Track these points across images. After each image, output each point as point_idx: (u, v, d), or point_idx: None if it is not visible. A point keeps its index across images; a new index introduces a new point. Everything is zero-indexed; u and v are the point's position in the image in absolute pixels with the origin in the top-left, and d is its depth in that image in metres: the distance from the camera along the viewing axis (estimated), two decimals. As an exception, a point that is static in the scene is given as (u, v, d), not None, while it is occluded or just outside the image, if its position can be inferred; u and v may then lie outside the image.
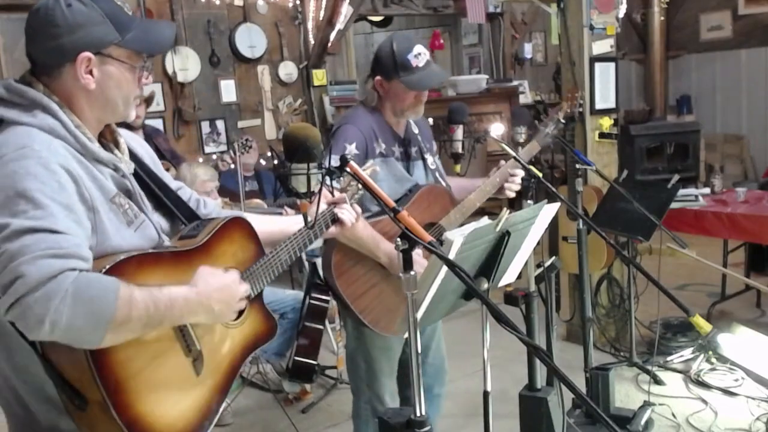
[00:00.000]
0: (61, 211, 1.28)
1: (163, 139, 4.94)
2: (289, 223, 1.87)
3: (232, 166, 4.60)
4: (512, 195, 2.60)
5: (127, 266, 1.35)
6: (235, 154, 4.26)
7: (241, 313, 1.63)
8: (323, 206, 1.86)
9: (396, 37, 2.43)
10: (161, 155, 4.71)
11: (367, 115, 2.47)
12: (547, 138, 2.80)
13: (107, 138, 1.54)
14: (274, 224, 1.89)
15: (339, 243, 2.30)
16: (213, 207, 1.83)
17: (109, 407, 1.29)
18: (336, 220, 1.93)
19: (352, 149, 2.35)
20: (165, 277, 1.43)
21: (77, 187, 1.33)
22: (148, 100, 5.04)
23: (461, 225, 2.18)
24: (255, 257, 1.70)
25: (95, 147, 1.43)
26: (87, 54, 1.39)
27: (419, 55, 2.37)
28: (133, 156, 1.60)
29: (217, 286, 1.46)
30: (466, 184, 2.65)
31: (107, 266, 1.31)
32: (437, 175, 2.60)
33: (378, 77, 2.42)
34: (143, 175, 1.60)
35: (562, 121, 2.85)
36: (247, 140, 4.27)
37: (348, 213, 1.94)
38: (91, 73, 1.41)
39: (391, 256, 2.28)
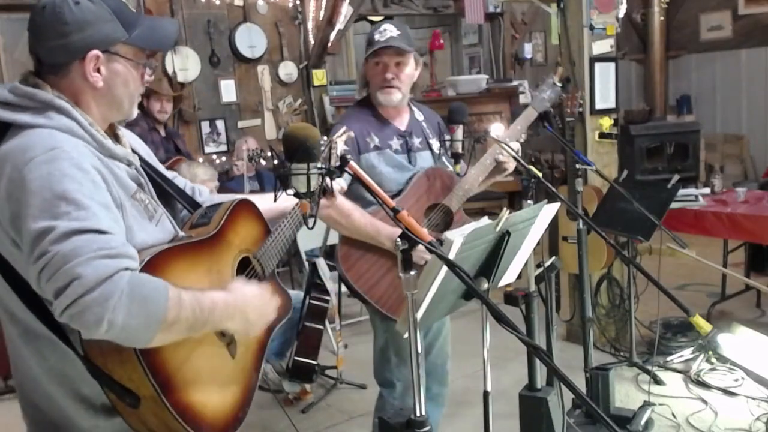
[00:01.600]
0: (102, 211, 1.28)
1: (182, 142, 5.08)
2: (282, 201, 1.88)
3: (245, 173, 4.65)
4: (511, 168, 2.58)
5: (159, 261, 1.36)
6: (251, 161, 4.29)
7: None
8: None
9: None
10: (180, 156, 4.78)
11: (358, 113, 2.52)
12: (545, 102, 2.72)
13: (108, 134, 1.53)
14: (269, 203, 1.90)
15: (343, 236, 2.31)
16: (207, 194, 1.85)
17: (163, 400, 1.31)
18: (325, 191, 1.87)
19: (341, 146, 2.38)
20: (192, 267, 1.46)
21: (107, 185, 1.34)
22: (177, 99, 5.10)
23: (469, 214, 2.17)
24: (264, 236, 1.74)
25: (110, 143, 1.43)
26: (96, 52, 1.39)
27: (384, 30, 2.43)
28: (132, 150, 1.61)
29: (254, 295, 1.49)
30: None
31: (144, 260, 1.32)
32: (444, 161, 2.62)
33: (363, 63, 2.51)
34: (146, 167, 1.60)
35: (558, 84, 2.79)
36: (261, 151, 4.29)
37: (336, 182, 1.87)
38: (98, 71, 1.40)
39: (394, 239, 2.29)
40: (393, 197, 2.46)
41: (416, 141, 2.57)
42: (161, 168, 1.70)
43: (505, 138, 2.55)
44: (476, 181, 2.54)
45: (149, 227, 1.44)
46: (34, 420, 1.48)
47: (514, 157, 2.47)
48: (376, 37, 2.44)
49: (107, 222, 1.27)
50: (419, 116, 2.61)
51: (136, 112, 1.54)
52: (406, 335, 1.60)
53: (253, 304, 1.47)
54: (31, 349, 1.41)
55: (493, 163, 2.54)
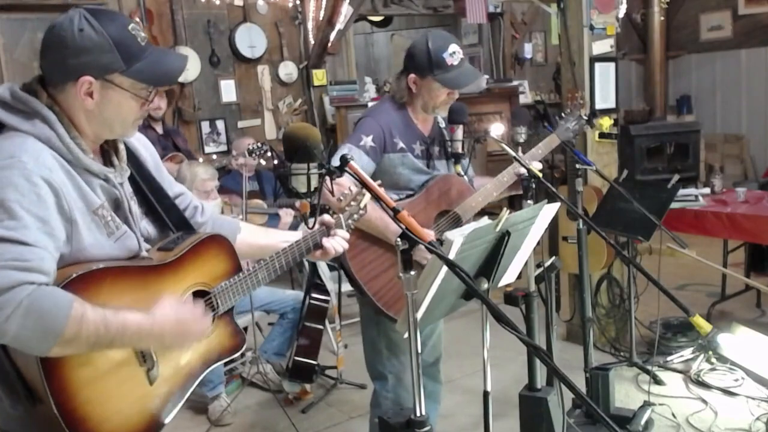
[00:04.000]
0: (35, 224, 1.33)
1: (182, 139, 5.06)
2: (282, 238, 1.87)
3: (245, 172, 4.64)
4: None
5: (93, 278, 1.41)
6: (250, 155, 4.29)
7: None
8: (317, 225, 1.82)
9: (432, 34, 2.45)
10: (177, 153, 4.77)
11: (391, 110, 2.50)
12: (568, 132, 2.78)
13: (108, 144, 1.57)
14: (267, 238, 1.90)
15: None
16: (209, 216, 1.84)
17: (53, 408, 1.35)
18: (319, 245, 1.84)
19: (368, 141, 2.39)
20: (129, 290, 1.48)
21: (57, 199, 1.38)
22: (170, 93, 5.08)
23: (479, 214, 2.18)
24: (231, 273, 1.70)
25: (87, 159, 1.47)
26: (88, 78, 1.44)
27: (454, 53, 2.39)
28: (134, 159, 1.63)
29: (176, 318, 1.48)
30: (482, 181, 2.67)
31: (74, 275, 1.36)
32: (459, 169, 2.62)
33: (412, 75, 2.44)
34: (139, 179, 1.63)
35: (584, 117, 2.83)
36: (262, 144, 4.30)
37: (335, 242, 1.85)
38: (91, 95, 1.46)
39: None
40: (408, 197, 2.47)
41: (436, 149, 2.58)
42: (166, 183, 1.72)
43: (525, 160, 2.56)
44: (491, 195, 2.56)
45: (105, 243, 1.48)
46: None
47: (516, 159, 2.47)
48: (448, 60, 2.37)
49: (35, 235, 1.33)
50: (441, 123, 2.63)
51: (133, 132, 1.58)
52: (406, 335, 1.60)
53: (171, 328, 1.47)
54: None
55: (510, 181, 2.57)
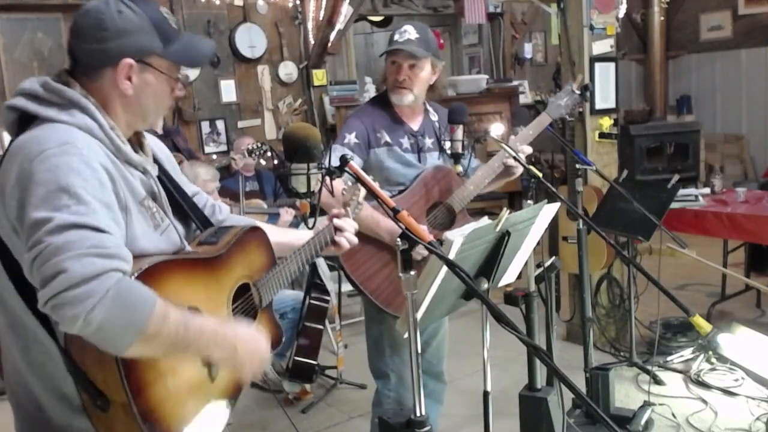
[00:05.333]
0: (103, 209, 1.29)
1: (182, 139, 5.04)
2: (298, 236, 1.90)
3: (242, 171, 4.64)
4: (519, 171, 2.59)
5: (156, 271, 1.36)
6: (250, 155, 4.30)
7: (253, 318, 1.65)
8: (324, 221, 1.86)
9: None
10: (178, 153, 4.77)
11: (376, 107, 2.56)
12: (560, 109, 2.74)
13: (132, 140, 1.55)
14: (284, 236, 1.91)
15: None
16: (227, 213, 1.84)
17: (133, 409, 1.29)
18: (332, 241, 1.89)
19: (352, 138, 2.44)
20: (189, 283, 1.46)
21: (114, 186, 1.35)
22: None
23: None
24: (269, 266, 1.72)
25: (128, 149, 1.45)
26: (129, 60, 1.42)
27: (404, 32, 2.47)
28: (155, 159, 1.62)
29: (248, 335, 1.48)
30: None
31: (145, 266, 1.33)
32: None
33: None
34: (164, 179, 1.61)
35: (576, 91, 2.79)
36: (262, 144, 4.31)
37: (347, 235, 1.89)
38: (130, 79, 1.44)
39: (393, 233, 2.31)
40: (399, 192, 2.47)
41: (428, 141, 2.59)
42: (184, 183, 1.71)
43: (516, 142, 2.56)
44: (482, 182, 2.55)
45: (153, 236, 1.45)
46: (18, 411, 1.49)
47: (515, 158, 2.47)
48: (396, 37, 2.48)
49: (106, 221, 1.28)
50: (434, 117, 2.64)
51: (161, 123, 1.57)
52: (406, 335, 1.60)
53: (244, 342, 1.46)
54: (16, 339, 1.42)
55: (501, 167, 2.56)
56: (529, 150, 2.58)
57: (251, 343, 1.48)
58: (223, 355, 1.44)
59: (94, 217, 1.26)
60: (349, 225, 1.89)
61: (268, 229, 1.85)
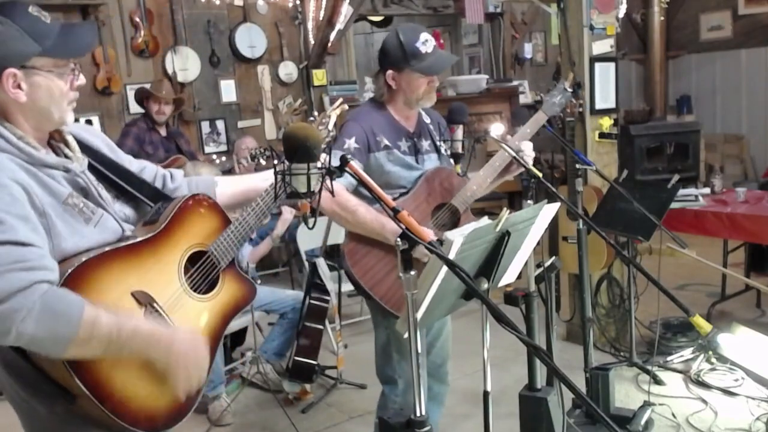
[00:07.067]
0: (20, 223, 1.33)
1: (185, 141, 5.07)
2: (260, 178, 1.87)
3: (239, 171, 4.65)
4: (520, 169, 2.57)
5: (87, 269, 1.41)
6: (253, 160, 4.30)
7: (214, 285, 1.68)
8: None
9: (401, 28, 2.47)
10: (180, 155, 4.79)
11: (371, 111, 2.52)
12: (555, 108, 2.74)
13: (56, 138, 1.57)
14: (246, 182, 1.89)
15: (349, 232, 2.31)
16: (181, 180, 1.84)
17: (93, 400, 1.36)
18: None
19: (351, 143, 2.41)
20: (128, 271, 1.48)
21: (29, 196, 1.38)
22: (178, 101, 5.11)
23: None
24: (220, 229, 1.72)
25: (41, 154, 1.46)
26: (11, 70, 1.42)
27: (426, 41, 2.42)
28: (87, 149, 1.62)
29: (185, 337, 1.51)
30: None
31: (68, 272, 1.36)
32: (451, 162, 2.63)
33: (389, 71, 2.45)
34: (99, 166, 1.62)
35: (569, 89, 2.80)
36: (265, 149, 4.31)
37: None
38: (19, 86, 1.43)
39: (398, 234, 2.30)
40: (401, 195, 2.47)
41: (425, 143, 2.58)
42: (126, 162, 1.71)
43: (515, 141, 2.55)
44: (484, 182, 2.55)
45: (85, 230, 1.48)
46: (14, 404, 1.54)
47: (514, 157, 2.47)
48: (422, 48, 2.41)
49: (25, 234, 1.32)
50: (426, 119, 2.63)
51: (71, 117, 1.55)
52: (406, 335, 1.60)
53: (179, 342, 1.48)
54: None
55: (502, 165, 2.55)
56: (530, 146, 2.57)
57: (187, 344, 1.51)
58: (158, 356, 1.47)
59: (13, 233, 1.30)
60: None
61: (229, 180, 1.85)
